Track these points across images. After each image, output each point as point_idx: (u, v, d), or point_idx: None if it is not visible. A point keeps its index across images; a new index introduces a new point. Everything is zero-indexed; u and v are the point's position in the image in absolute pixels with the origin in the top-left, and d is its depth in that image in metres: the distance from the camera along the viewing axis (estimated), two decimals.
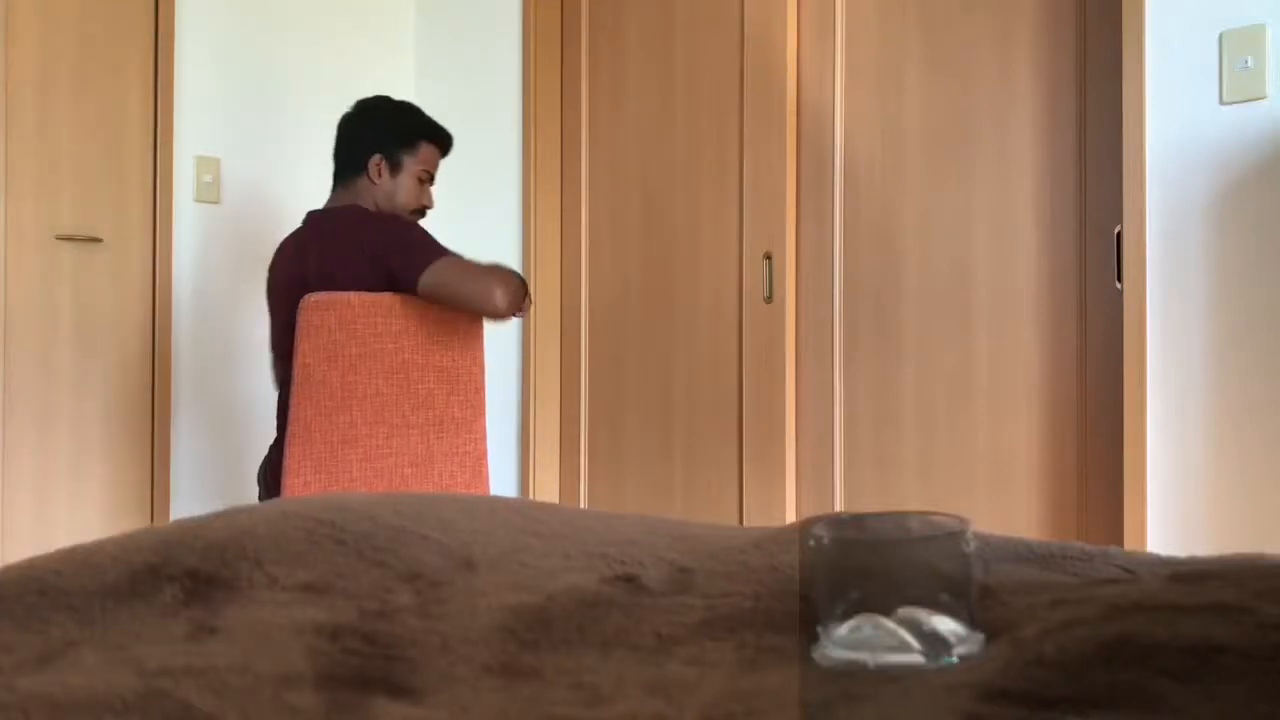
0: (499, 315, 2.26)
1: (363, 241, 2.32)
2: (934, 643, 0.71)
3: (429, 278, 2.23)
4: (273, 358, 2.48)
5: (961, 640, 0.71)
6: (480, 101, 3.64)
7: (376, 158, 2.45)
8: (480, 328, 2.36)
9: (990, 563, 0.93)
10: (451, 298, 2.24)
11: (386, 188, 2.46)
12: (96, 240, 3.10)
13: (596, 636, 0.81)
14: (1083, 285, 2.48)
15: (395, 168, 2.46)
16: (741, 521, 3.05)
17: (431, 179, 2.53)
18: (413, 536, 1.01)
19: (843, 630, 0.73)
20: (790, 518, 2.94)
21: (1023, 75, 2.57)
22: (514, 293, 2.24)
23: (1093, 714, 0.59)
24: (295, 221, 3.54)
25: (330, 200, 2.52)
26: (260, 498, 2.44)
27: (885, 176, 2.80)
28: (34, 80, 3.00)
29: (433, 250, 2.28)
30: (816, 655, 0.74)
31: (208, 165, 3.32)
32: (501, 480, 3.55)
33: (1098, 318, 2.46)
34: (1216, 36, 2.19)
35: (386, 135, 2.48)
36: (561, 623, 0.83)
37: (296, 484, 2.19)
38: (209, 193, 3.32)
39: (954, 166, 2.67)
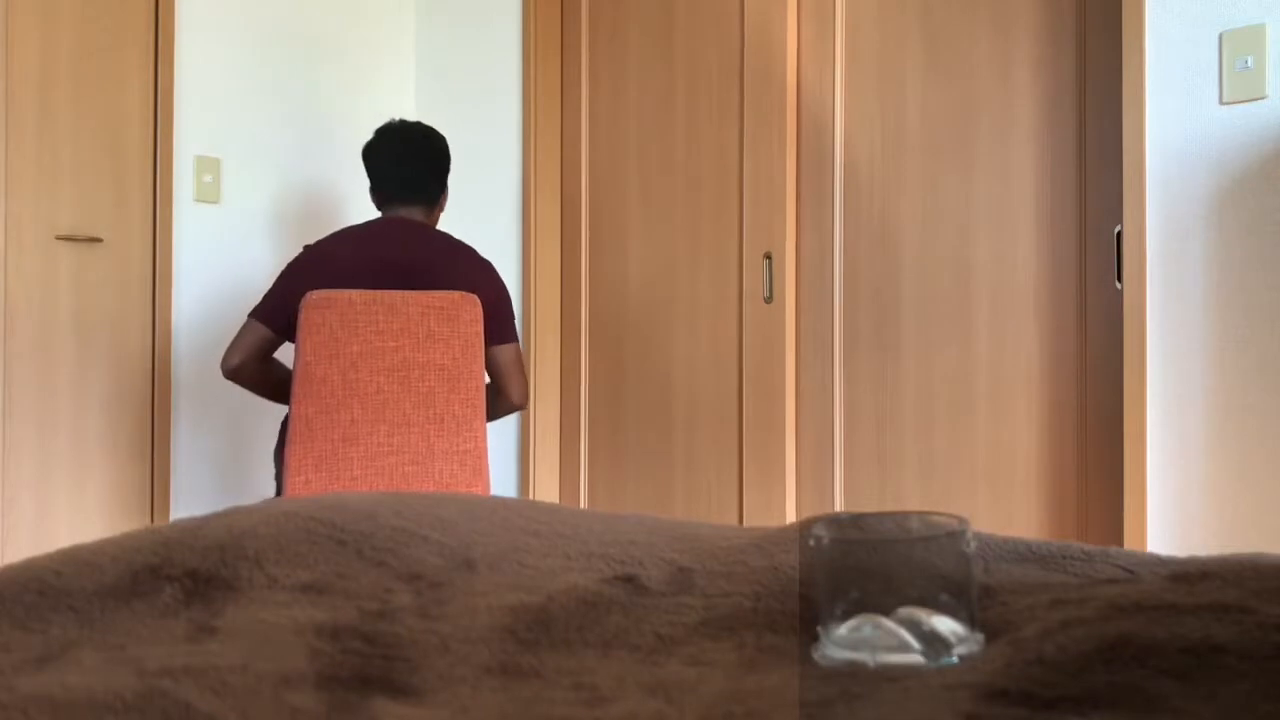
0: (518, 410, 2.69)
1: (481, 284, 2.49)
2: (934, 643, 0.71)
3: (500, 355, 2.52)
4: None
5: (961, 640, 0.71)
6: (480, 101, 3.64)
7: (445, 190, 2.63)
8: (480, 327, 2.37)
9: (990, 563, 0.93)
10: (500, 382, 2.54)
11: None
12: (96, 240, 3.10)
13: (596, 636, 0.81)
14: (1083, 285, 2.48)
15: None
16: (741, 521, 3.05)
17: None
18: (413, 536, 1.01)
19: (843, 630, 0.73)
20: (790, 518, 2.94)
21: (1023, 75, 2.57)
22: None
23: (1093, 714, 0.59)
24: (295, 221, 3.56)
25: (410, 210, 2.57)
26: (276, 474, 2.47)
27: (885, 176, 2.80)
28: (34, 80, 3.00)
29: (512, 327, 2.56)
30: (816, 655, 0.74)
31: (208, 165, 3.32)
32: (501, 480, 3.55)
33: (1098, 318, 2.46)
34: (1216, 36, 2.19)
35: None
36: (561, 623, 0.83)
37: (298, 482, 2.19)
38: (209, 193, 3.32)
39: (954, 167, 2.67)
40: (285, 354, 3.23)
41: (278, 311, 2.42)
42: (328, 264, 2.40)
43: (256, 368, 2.45)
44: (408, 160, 2.55)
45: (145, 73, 3.20)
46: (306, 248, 2.47)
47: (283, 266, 3.48)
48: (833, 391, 2.87)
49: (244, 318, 3.37)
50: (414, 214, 2.55)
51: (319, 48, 3.59)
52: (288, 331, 2.42)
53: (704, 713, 0.65)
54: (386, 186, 2.55)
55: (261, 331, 2.43)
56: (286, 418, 2.39)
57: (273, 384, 2.50)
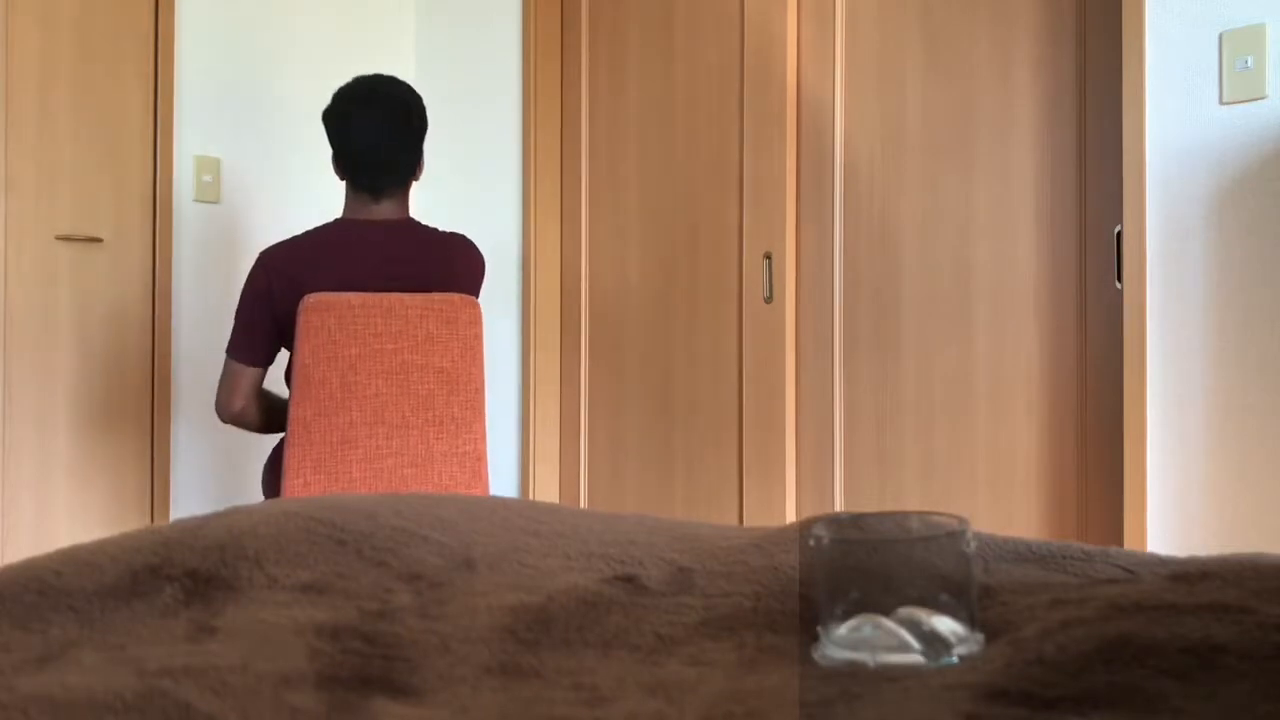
0: None
1: (477, 272, 2.40)
2: (934, 643, 0.71)
3: None
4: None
5: (961, 640, 0.71)
6: (480, 102, 3.64)
7: (421, 158, 2.35)
8: (480, 329, 2.36)
9: (990, 563, 0.93)
10: None
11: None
12: (96, 240, 3.10)
13: (596, 636, 0.81)
14: (1083, 285, 2.48)
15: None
16: (741, 521, 3.05)
17: None
18: (413, 536, 1.01)
19: (843, 630, 0.73)
20: (790, 518, 2.94)
21: (1023, 75, 2.57)
22: None
23: (1093, 714, 0.59)
24: (295, 221, 3.56)
25: (387, 199, 2.31)
26: (265, 487, 2.45)
27: (885, 176, 2.80)
28: (34, 80, 3.00)
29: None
30: (816, 655, 0.74)
31: (208, 165, 3.32)
32: (501, 480, 3.55)
33: (1098, 318, 2.46)
34: (1216, 36, 2.19)
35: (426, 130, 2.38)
36: (561, 623, 0.83)
37: (296, 484, 2.19)
38: (209, 193, 3.32)
39: (954, 166, 2.67)
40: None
41: (256, 347, 2.27)
42: (302, 288, 2.21)
43: (257, 405, 2.32)
44: (383, 136, 2.26)
45: (145, 73, 3.20)
46: (263, 258, 2.25)
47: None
48: (833, 391, 2.87)
49: None
50: (391, 205, 2.32)
51: (319, 48, 3.59)
52: (270, 360, 2.32)
53: (704, 713, 0.65)
54: (356, 167, 2.28)
55: (249, 372, 2.28)
56: (280, 444, 2.37)
57: (270, 414, 2.36)
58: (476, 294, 2.43)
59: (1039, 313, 2.54)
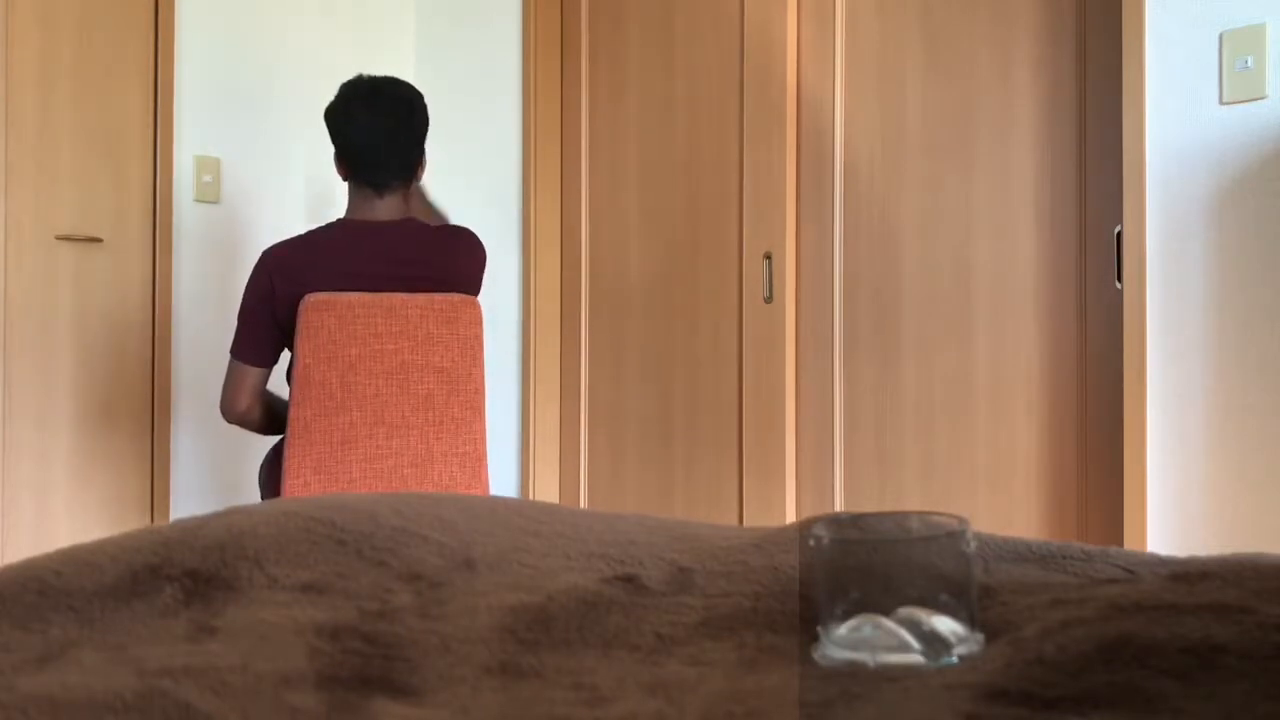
0: None
1: (480, 271, 2.40)
2: (934, 643, 0.71)
3: None
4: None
5: (961, 640, 0.71)
6: (480, 101, 3.64)
7: (424, 156, 2.35)
8: (480, 329, 2.37)
9: (990, 563, 0.93)
10: None
11: (420, 188, 2.42)
12: (96, 240, 3.10)
13: (596, 636, 0.81)
14: (1083, 285, 2.48)
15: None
16: (741, 521, 3.05)
17: None
18: (413, 536, 1.01)
19: (843, 630, 0.73)
20: (790, 518, 2.94)
21: (1023, 75, 2.57)
22: None
23: (1093, 714, 0.59)
24: (295, 221, 3.56)
25: (389, 197, 2.31)
26: (262, 485, 2.45)
27: (885, 176, 2.80)
28: (34, 80, 3.00)
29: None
30: (816, 655, 0.74)
31: (208, 165, 3.32)
32: (501, 480, 3.55)
33: (1098, 318, 2.46)
34: (1216, 36, 2.19)
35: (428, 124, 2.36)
36: (561, 623, 0.83)
37: (296, 485, 2.19)
38: (209, 193, 3.32)
39: (954, 166, 2.67)
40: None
41: (260, 347, 2.27)
42: (304, 288, 2.21)
43: (261, 405, 2.32)
44: (385, 134, 2.27)
45: (145, 73, 3.20)
46: (265, 258, 2.25)
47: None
48: (833, 391, 2.87)
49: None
50: (393, 204, 2.32)
51: (319, 48, 3.59)
52: (274, 359, 2.31)
53: (704, 713, 0.65)
54: (358, 165, 2.28)
55: (254, 372, 2.28)
56: (279, 443, 2.36)
57: (273, 415, 2.36)
58: (479, 286, 2.43)
59: (1039, 313, 2.54)
